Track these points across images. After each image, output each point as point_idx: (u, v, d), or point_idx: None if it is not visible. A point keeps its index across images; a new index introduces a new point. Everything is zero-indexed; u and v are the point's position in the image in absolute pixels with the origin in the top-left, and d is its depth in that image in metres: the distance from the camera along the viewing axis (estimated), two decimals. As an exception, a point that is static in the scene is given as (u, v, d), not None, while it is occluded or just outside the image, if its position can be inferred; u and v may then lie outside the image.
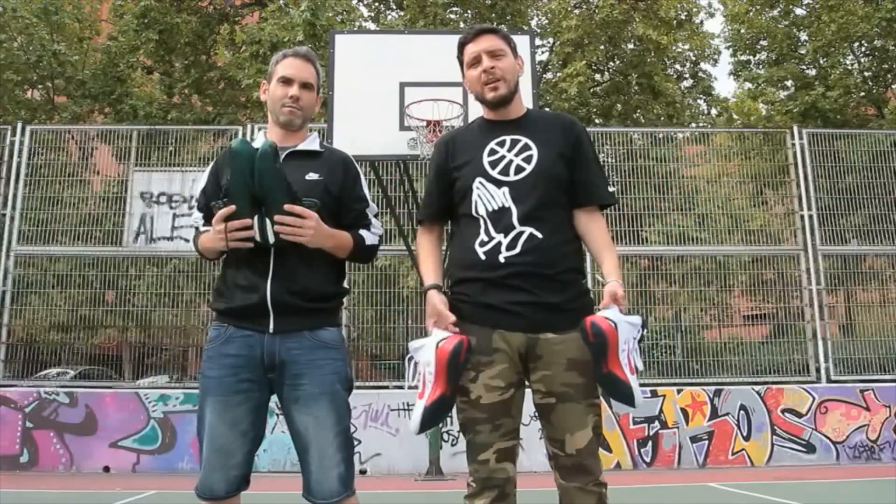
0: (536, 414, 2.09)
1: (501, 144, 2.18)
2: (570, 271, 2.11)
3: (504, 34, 2.27)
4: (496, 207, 2.10)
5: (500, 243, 2.07)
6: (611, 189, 2.25)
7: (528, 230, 2.07)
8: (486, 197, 2.12)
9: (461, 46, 2.26)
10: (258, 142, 2.27)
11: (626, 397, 1.95)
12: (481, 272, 2.08)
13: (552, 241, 2.08)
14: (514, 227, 2.07)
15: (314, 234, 2.02)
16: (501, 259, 2.06)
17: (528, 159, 2.13)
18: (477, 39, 2.21)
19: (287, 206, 1.97)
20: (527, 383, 2.12)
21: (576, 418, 2.01)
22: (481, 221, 2.11)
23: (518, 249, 2.06)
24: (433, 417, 2.00)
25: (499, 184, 2.12)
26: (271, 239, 2.01)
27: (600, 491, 2.00)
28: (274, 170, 1.96)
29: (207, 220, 2.14)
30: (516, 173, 2.12)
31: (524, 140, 2.17)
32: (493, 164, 2.15)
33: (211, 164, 2.31)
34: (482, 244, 2.09)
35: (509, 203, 2.09)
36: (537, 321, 2.04)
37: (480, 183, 2.13)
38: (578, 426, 2.00)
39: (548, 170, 2.12)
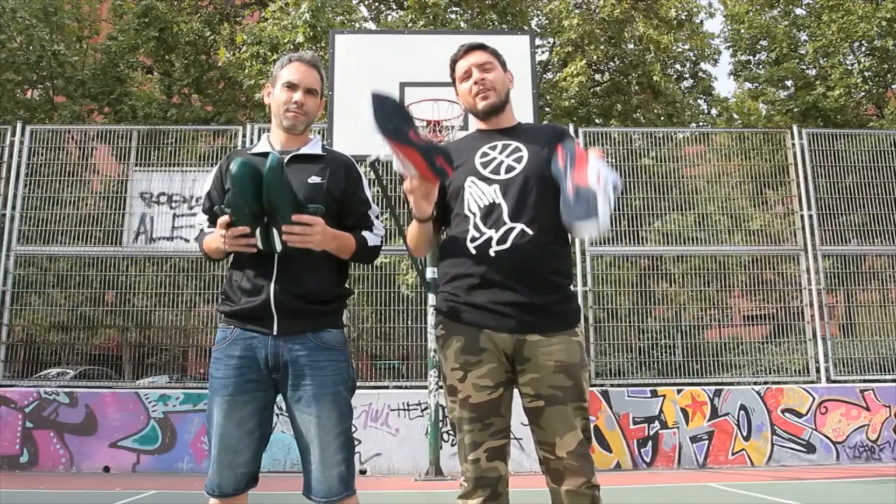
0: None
1: (493, 148, 2.23)
2: (558, 273, 2.13)
3: (493, 50, 2.34)
4: (486, 203, 2.13)
5: (490, 238, 2.09)
6: None
7: (519, 226, 2.09)
8: (477, 194, 2.15)
9: (452, 64, 2.35)
10: (261, 145, 2.28)
11: (589, 203, 1.86)
12: (471, 267, 2.10)
13: (542, 238, 2.10)
14: (504, 223, 2.10)
15: (321, 239, 2.04)
16: (492, 253, 2.08)
17: (518, 160, 2.18)
18: (467, 55, 2.31)
19: (295, 217, 1.98)
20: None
21: (565, 421, 2.01)
22: (471, 218, 2.13)
23: (508, 244, 2.08)
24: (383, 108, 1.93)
25: (489, 181, 2.16)
26: (278, 247, 2.03)
27: (593, 493, 2.00)
28: (281, 184, 1.96)
29: (212, 223, 2.16)
30: (507, 172, 2.16)
31: (515, 143, 2.23)
32: (485, 165, 2.20)
33: (215, 168, 2.32)
34: (473, 240, 2.11)
35: (500, 199, 2.12)
36: (524, 322, 2.05)
37: (472, 182, 2.17)
38: (567, 429, 2.01)
39: (538, 169, 2.15)
